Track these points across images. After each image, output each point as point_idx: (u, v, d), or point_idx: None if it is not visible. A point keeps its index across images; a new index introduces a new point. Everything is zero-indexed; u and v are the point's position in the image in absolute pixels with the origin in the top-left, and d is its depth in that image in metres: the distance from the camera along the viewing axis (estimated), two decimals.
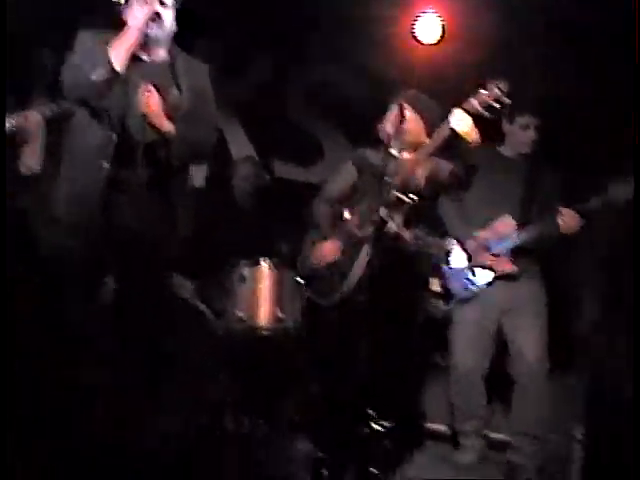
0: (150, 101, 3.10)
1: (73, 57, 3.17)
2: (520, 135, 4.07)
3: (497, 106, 3.32)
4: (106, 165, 3.07)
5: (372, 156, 3.85)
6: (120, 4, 3.24)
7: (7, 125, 3.61)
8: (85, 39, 3.20)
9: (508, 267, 3.97)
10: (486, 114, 3.34)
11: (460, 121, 3.37)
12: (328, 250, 3.81)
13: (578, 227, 3.83)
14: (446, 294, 4.22)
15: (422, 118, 3.73)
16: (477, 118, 3.37)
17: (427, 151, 3.57)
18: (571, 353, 4.54)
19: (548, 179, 4.10)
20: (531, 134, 4.06)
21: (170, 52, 3.28)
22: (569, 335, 4.61)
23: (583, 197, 3.91)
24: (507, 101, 3.32)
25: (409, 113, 3.65)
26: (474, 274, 4.03)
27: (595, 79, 4.67)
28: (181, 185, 3.34)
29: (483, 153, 4.05)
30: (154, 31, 3.15)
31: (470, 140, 3.41)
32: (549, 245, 4.00)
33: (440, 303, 4.50)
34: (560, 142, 4.70)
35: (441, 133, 3.47)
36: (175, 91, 3.20)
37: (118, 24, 3.23)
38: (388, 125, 3.69)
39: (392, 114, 3.66)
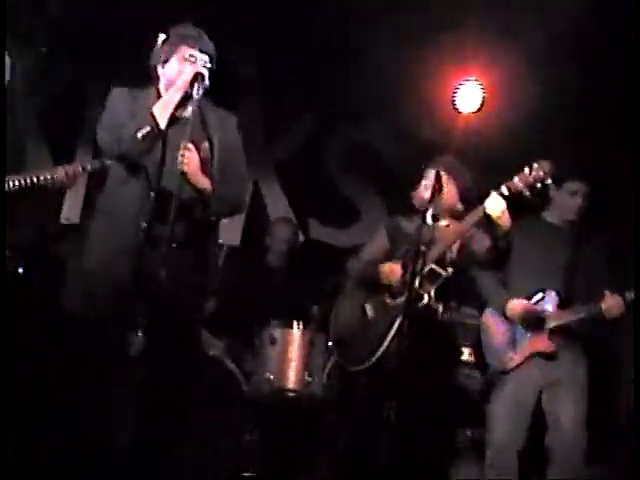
0: (190, 159, 3.11)
1: (109, 115, 3.20)
2: (567, 201, 3.99)
3: (539, 186, 3.38)
4: (144, 224, 3.06)
5: (406, 225, 3.85)
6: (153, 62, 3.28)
7: (49, 177, 3.65)
8: (119, 97, 3.23)
9: (546, 346, 3.89)
10: (528, 194, 3.39)
11: (494, 205, 3.42)
12: (393, 269, 3.74)
13: (621, 313, 3.75)
14: (482, 366, 4.15)
15: (456, 185, 3.73)
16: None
17: (462, 229, 3.59)
18: (610, 434, 4.42)
19: (594, 251, 4.02)
20: (579, 200, 3.97)
21: (200, 106, 3.23)
22: (608, 416, 4.50)
23: (628, 274, 3.85)
24: (549, 182, 3.38)
25: (446, 180, 3.65)
26: (514, 348, 3.95)
27: None
28: (214, 243, 3.34)
29: (527, 220, 4.03)
30: (196, 91, 3.13)
31: (501, 224, 3.45)
32: (591, 326, 3.93)
33: (475, 373, 4.43)
34: (608, 214, 4.66)
35: (476, 214, 3.52)
36: (206, 145, 3.20)
37: (149, 79, 3.27)
38: (424, 192, 3.68)
39: (428, 181, 3.65)
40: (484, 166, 4.75)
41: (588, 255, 3.97)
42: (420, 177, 3.82)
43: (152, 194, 3.08)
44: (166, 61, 3.24)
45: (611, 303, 3.74)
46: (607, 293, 3.75)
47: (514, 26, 4.28)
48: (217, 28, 3.34)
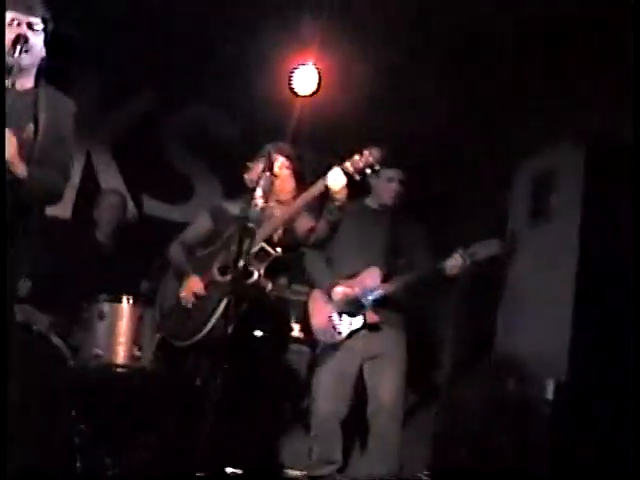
0: (7, 145, 2.91)
1: None
2: (385, 187, 4.26)
3: (368, 172, 3.49)
4: None
5: (231, 207, 3.92)
6: None
7: None
8: None
9: (371, 317, 4.08)
10: (358, 177, 3.50)
11: (336, 180, 3.50)
12: (193, 285, 3.80)
13: (458, 273, 4.05)
14: (311, 341, 4.29)
15: (290, 167, 3.82)
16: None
17: (299, 205, 3.66)
18: (425, 398, 4.70)
19: (411, 232, 4.29)
20: (395, 186, 4.24)
21: (36, 81, 3.13)
22: (425, 381, 4.77)
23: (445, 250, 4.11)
24: (378, 168, 3.50)
25: (277, 163, 3.72)
26: (339, 323, 4.11)
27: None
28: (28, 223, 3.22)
29: (350, 205, 4.21)
30: (20, 57, 2.98)
31: (338, 198, 3.54)
32: (409, 298, 4.17)
33: (304, 349, 4.57)
34: (425, 197, 4.92)
35: (316, 188, 3.59)
36: (31, 127, 3.04)
37: None
38: (255, 174, 3.74)
39: (261, 161, 3.71)
40: (318, 148, 4.90)
41: (404, 237, 4.25)
42: (254, 157, 3.89)
43: None
44: None
45: (454, 262, 4.03)
46: (454, 254, 4.04)
47: (350, 9, 4.39)
48: None
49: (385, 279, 4.13)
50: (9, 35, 3.00)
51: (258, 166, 3.75)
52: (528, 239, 4.62)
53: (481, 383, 4.55)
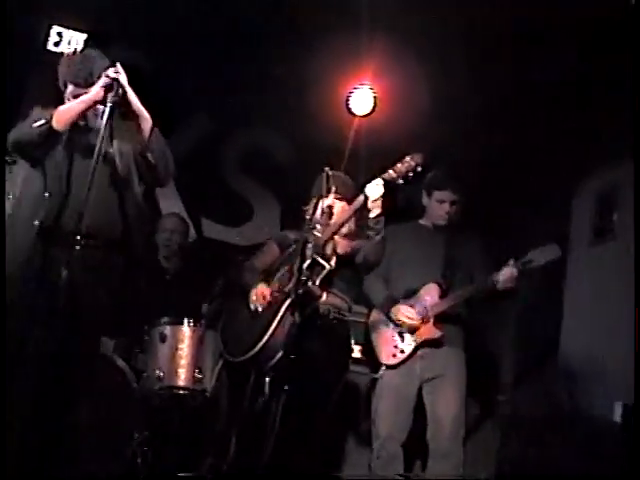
0: None
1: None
2: (437, 208, 4.27)
3: (411, 176, 3.54)
4: (36, 223, 3.15)
5: (293, 235, 3.97)
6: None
7: None
8: (36, 111, 3.31)
9: (432, 332, 4.05)
10: (401, 182, 3.55)
11: (374, 189, 3.57)
12: (260, 290, 3.83)
13: (514, 283, 3.97)
14: (371, 363, 4.26)
15: (346, 199, 3.83)
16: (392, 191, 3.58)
17: (341, 219, 3.73)
18: (486, 416, 4.63)
19: (466, 250, 4.27)
20: (446, 208, 4.24)
21: (110, 117, 3.29)
22: (486, 398, 4.71)
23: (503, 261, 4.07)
24: (419, 170, 3.55)
25: (338, 205, 3.80)
26: (402, 340, 4.10)
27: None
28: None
29: (406, 225, 4.33)
30: (112, 99, 3.22)
31: (373, 208, 3.59)
32: (469, 312, 4.16)
33: (365, 370, 4.52)
34: (486, 216, 4.88)
35: (357, 201, 3.65)
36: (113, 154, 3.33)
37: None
38: (316, 214, 3.79)
39: (322, 205, 3.75)
40: (375, 167, 4.90)
41: (461, 253, 4.23)
42: (315, 176, 3.87)
43: (46, 194, 3.18)
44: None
45: (507, 273, 3.97)
46: (503, 267, 3.99)
47: (406, 32, 4.40)
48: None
49: (443, 295, 4.11)
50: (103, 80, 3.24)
51: (318, 205, 3.80)
52: (591, 257, 4.54)
53: (543, 400, 4.48)
